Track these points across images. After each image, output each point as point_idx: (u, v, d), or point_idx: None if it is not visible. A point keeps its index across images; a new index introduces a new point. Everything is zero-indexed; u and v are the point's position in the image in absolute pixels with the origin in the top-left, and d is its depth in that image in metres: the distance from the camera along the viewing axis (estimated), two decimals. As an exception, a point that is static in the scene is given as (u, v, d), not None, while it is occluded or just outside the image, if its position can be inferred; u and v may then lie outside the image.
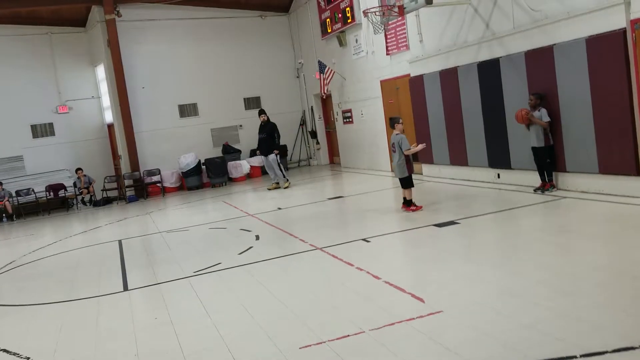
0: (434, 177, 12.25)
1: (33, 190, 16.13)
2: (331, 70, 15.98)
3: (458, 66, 10.92)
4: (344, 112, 16.52)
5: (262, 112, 14.84)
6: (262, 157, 14.65)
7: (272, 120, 14.80)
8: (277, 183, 14.50)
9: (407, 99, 12.85)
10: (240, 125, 18.92)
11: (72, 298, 6.80)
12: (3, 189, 15.70)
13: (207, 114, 18.42)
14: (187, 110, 18.23)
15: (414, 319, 4.61)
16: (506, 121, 9.82)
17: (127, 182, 16.92)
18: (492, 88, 10.05)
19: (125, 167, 17.16)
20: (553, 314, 4.33)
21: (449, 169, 11.71)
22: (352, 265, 6.47)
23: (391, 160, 10.43)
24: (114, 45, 16.50)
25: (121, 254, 9.00)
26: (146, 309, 6.25)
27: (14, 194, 15.98)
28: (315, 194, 13.14)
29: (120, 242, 10.04)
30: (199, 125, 18.29)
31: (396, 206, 9.55)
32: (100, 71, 17.60)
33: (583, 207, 7.96)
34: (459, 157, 11.30)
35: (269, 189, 14.39)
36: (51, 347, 5.19)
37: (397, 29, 12.82)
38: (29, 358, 4.95)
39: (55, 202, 16.33)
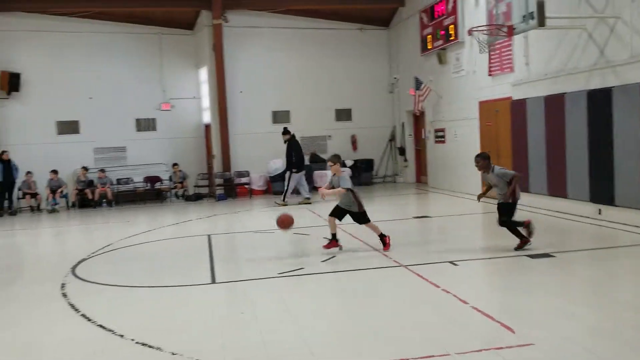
0: (527, 206, 11.72)
1: (132, 180, 17.16)
2: (427, 87, 15.81)
3: (565, 93, 10.44)
4: (436, 130, 16.27)
5: (284, 131, 15.16)
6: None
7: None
8: (308, 198, 14.69)
9: (506, 123, 12.44)
10: (329, 136, 19.12)
11: (163, 284, 7.10)
12: (106, 176, 16.78)
13: (298, 122, 18.72)
14: (280, 117, 18.64)
15: (502, 348, 4.45)
16: (613, 154, 9.27)
17: (217, 180, 17.54)
18: (602, 118, 9.52)
19: (217, 166, 17.81)
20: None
21: (545, 199, 11.19)
22: (438, 286, 6.32)
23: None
24: (218, 50, 17.23)
25: (210, 248, 9.30)
26: (232, 302, 6.42)
27: (114, 182, 17.04)
28: (400, 211, 13.02)
29: (209, 236, 10.39)
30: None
31: (485, 232, 9.26)
32: (203, 73, 18.40)
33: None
34: (557, 188, 10.77)
35: (300, 203, 14.52)
36: (143, 328, 5.43)
37: (502, 50, 12.48)
38: (122, 336, 5.21)
39: (151, 193, 17.25)
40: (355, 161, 18.78)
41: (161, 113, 18.43)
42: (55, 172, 16.23)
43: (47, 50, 17.15)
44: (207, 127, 18.67)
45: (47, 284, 7.36)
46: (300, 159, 14.86)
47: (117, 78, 17.79)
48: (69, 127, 17.39)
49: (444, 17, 15.14)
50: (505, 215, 7.72)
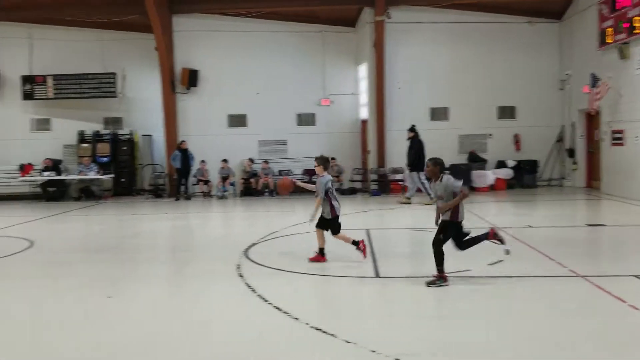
0: None
1: (292, 171, 17.99)
2: (606, 84, 14.47)
3: None
4: (614, 132, 14.83)
5: (410, 129, 15.25)
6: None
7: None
8: (409, 199, 14.80)
9: None
10: (490, 135, 18.34)
11: (329, 273, 7.32)
12: (269, 167, 17.77)
13: (457, 120, 18.26)
14: (437, 114, 18.30)
15: None
16: None
17: (372, 176, 17.71)
18: None
19: (372, 162, 17.98)
20: None
21: None
22: (624, 301, 5.75)
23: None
24: (379, 46, 17.33)
25: (370, 242, 9.40)
26: (399, 297, 6.41)
27: (276, 173, 17.99)
28: (571, 218, 12.11)
29: (367, 231, 10.51)
30: (446, 129, 18.18)
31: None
32: (362, 70, 18.64)
33: None
34: None
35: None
36: (315, 313, 5.66)
37: (703, 42, 10.99)
38: (297, 319, 5.45)
39: (308, 185, 17.91)
40: (518, 162, 17.83)
41: (320, 108, 19.00)
42: (225, 161, 17.57)
43: (221, 49, 18.54)
44: (364, 122, 18.91)
45: (223, 264, 7.95)
46: (415, 158, 14.71)
47: (281, 74, 18.67)
48: (238, 121, 18.69)
49: (629, 8, 13.73)
50: (456, 237, 6.78)
